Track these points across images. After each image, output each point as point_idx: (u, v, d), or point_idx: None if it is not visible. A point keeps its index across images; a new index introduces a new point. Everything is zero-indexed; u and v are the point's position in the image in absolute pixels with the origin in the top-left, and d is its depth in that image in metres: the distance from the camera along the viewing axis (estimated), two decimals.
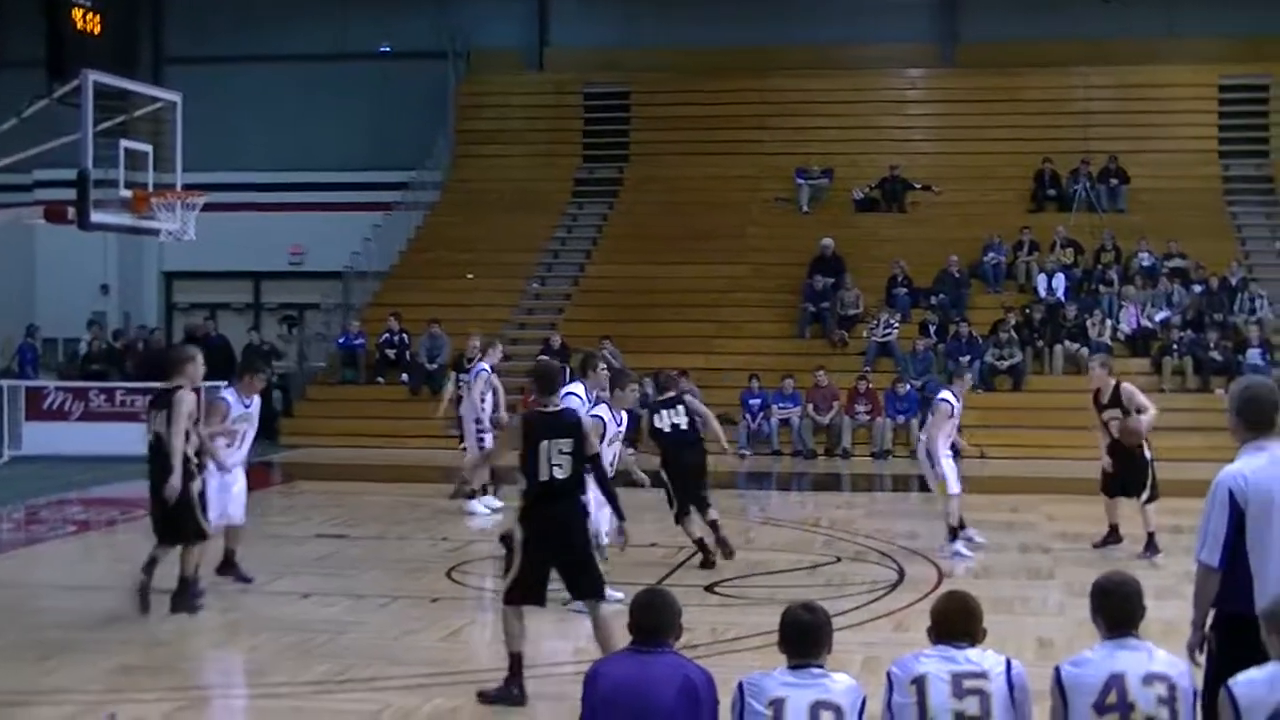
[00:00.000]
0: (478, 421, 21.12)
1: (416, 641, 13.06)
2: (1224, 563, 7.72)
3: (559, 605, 14.25)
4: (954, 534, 17.72)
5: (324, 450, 29.98)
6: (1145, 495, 17.67)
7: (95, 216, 17.51)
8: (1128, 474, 17.79)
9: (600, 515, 13.45)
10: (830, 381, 30.46)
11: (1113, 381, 18.03)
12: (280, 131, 39.51)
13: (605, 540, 14.04)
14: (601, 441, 13.68)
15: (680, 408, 17.33)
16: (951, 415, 18.01)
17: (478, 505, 20.92)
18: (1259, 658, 6.92)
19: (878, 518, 21.67)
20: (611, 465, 14.08)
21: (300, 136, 39.46)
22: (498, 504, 20.82)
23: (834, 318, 33.06)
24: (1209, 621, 7.90)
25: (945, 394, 18.36)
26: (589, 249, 37.79)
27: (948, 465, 17.91)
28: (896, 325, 32.30)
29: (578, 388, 16.10)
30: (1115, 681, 6.73)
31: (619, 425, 14.17)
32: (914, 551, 17.76)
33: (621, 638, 7.56)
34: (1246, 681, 6.68)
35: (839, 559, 17.24)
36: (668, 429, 17.12)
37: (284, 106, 39.89)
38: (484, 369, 21.19)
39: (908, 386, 30.23)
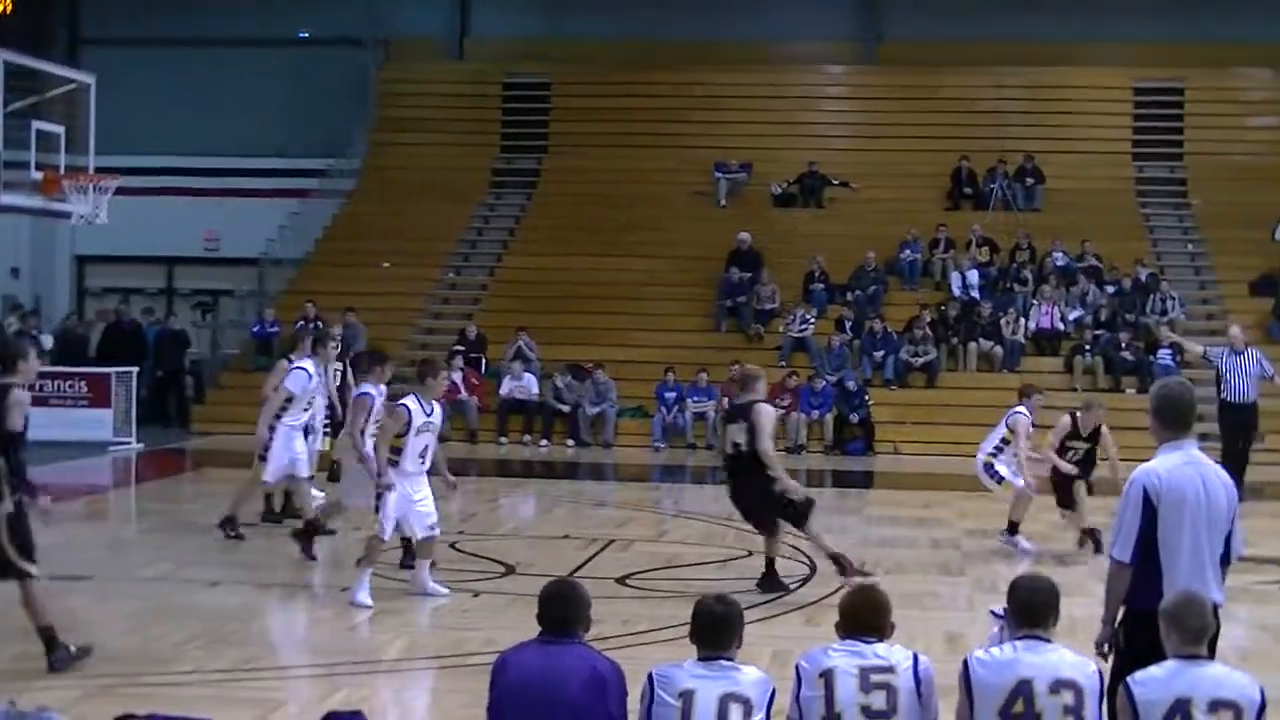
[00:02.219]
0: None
1: (326, 630, 12.99)
2: (1135, 559, 7.85)
3: (469, 595, 14.27)
4: (1014, 529, 17.90)
5: (236, 438, 29.66)
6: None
7: (5, 198, 17.35)
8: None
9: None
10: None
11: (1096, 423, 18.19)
12: (197, 116, 39.10)
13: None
14: (408, 432, 13.74)
15: (743, 424, 14.78)
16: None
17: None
18: (1163, 654, 7.00)
19: None
20: (423, 457, 13.93)
21: (217, 121, 39.07)
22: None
23: (750, 312, 33.11)
24: (1119, 618, 8.01)
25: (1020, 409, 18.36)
26: (506, 240, 37.68)
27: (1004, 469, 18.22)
28: (812, 320, 32.39)
29: (307, 363, 17.23)
30: (1023, 689, 6.77)
31: (428, 415, 13.88)
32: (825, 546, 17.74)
33: None
34: (1144, 679, 6.77)
35: (750, 553, 17.22)
36: (729, 450, 14.97)
37: (201, 91, 39.51)
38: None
39: (823, 382, 30.32)
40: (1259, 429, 23.79)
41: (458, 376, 30.47)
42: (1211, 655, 7.38)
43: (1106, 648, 8.04)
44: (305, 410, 17.75)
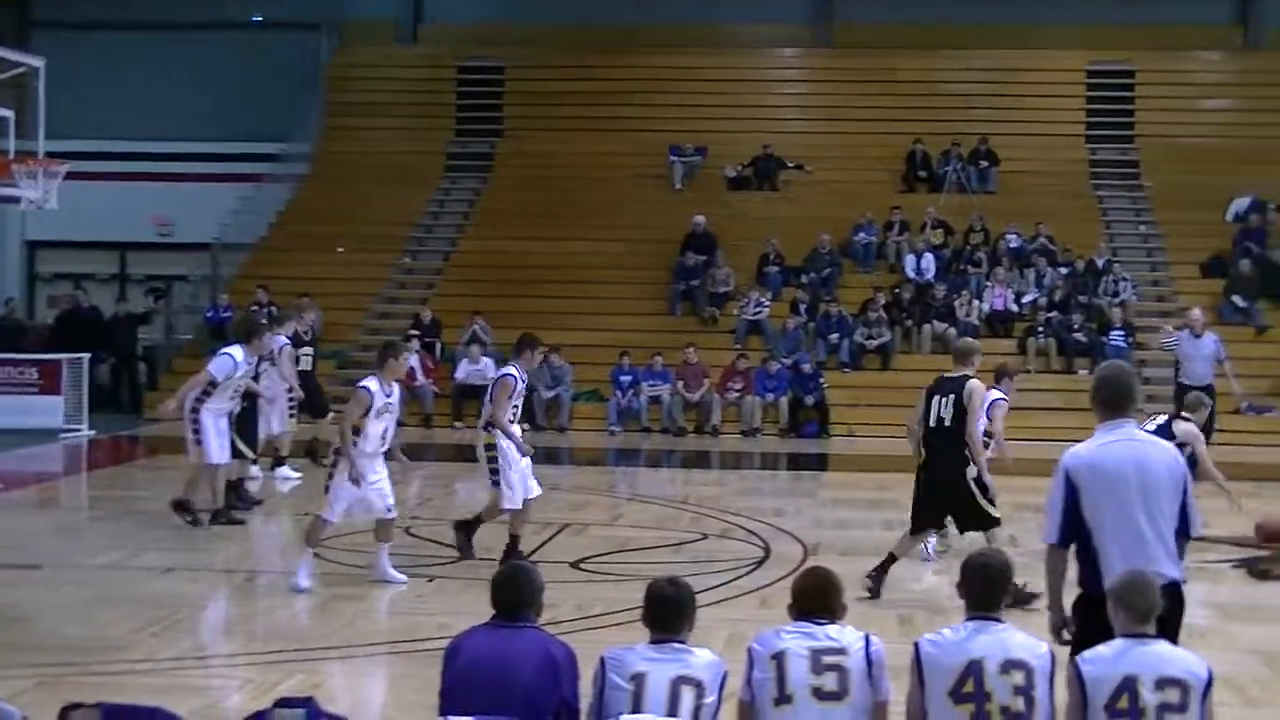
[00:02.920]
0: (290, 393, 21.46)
1: (280, 616, 12.95)
2: (1062, 540, 7.95)
3: (424, 580, 14.26)
4: None
5: None
6: None
7: None
8: None
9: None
10: (700, 359, 30.53)
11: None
12: (149, 100, 38.91)
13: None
14: (368, 414, 13.75)
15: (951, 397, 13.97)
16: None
17: (289, 471, 21.70)
18: (1109, 631, 7.06)
19: (745, 495, 21.76)
20: (383, 439, 14.07)
21: (170, 105, 38.86)
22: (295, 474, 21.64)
23: (705, 295, 33.12)
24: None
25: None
26: (461, 224, 37.61)
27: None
28: (767, 303, 32.41)
29: (236, 350, 17.20)
30: (973, 669, 6.81)
31: (388, 397, 13.89)
32: (780, 529, 17.81)
33: None
34: (1093, 657, 6.84)
35: (705, 536, 17.28)
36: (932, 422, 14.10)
37: (153, 74, 39.34)
38: (285, 342, 21.36)
39: (778, 365, 30.36)
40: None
41: (414, 361, 30.39)
42: (1176, 633, 7.47)
43: (1065, 634, 8.04)
44: (230, 399, 17.65)
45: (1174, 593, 7.73)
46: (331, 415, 22.56)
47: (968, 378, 13.88)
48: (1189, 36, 39.23)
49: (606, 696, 6.77)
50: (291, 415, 21.81)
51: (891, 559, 14.00)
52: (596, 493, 21.82)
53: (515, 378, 14.85)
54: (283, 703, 6.45)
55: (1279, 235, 34.01)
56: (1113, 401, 8.11)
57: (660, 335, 31.79)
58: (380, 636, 12.29)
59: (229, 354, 17.53)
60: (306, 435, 23.20)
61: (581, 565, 15.36)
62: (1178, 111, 38.92)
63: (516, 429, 14.98)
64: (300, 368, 22.40)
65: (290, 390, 21.43)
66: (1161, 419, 16.63)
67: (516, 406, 14.90)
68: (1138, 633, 6.90)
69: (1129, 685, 6.66)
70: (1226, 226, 34.94)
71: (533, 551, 15.81)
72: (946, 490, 13.91)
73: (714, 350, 31.22)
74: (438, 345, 32.11)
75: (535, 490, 15.01)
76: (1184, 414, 16.97)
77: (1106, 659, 6.81)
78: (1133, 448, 7.95)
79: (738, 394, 30.26)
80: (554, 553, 15.96)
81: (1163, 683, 6.66)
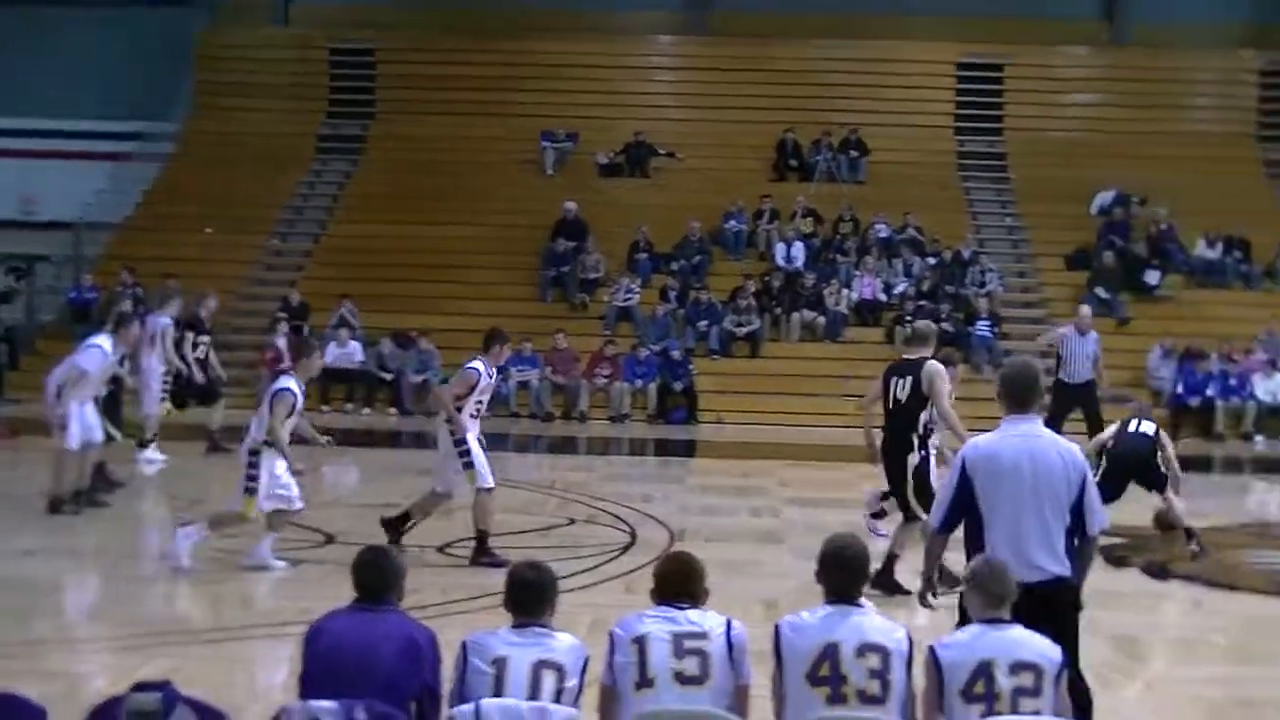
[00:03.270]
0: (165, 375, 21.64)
1: (139, 601, 12.82)
2: (943, 527, 8.10)
3: (289, 565, 14.17)
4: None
5: None
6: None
7: None
8: None
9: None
10: (570, 345, 30.53)
11: None
12: (14, 76, 38.31)
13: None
14: (291, 414, 13.91)
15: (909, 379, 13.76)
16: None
17: (155, 454, 21.57)
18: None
19: (613, 481, 21.78)
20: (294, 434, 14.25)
21: (35, 81, 38.28)
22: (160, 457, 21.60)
23: (575, 281, 33.12)
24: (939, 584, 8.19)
25: None
26: (331, 206, 37.34)
27: None
28: (637, 290, 32.48)
29: (105, 341, 17.11)
30: (830, 652, 6.87)
31: (304, 395, 13.99)
32: (647, 514, 17.86)
33: None
34: (949, 642, 6.95)
35: (572, 521, 17.30)
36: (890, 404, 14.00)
37: (19, 50, 38.69)
38: (168, 323, 21.56)
39: (647, 351, 30.42)
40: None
41: (282, 343, 30.20)
42: (1066, 628, 7.65)
43: (929, 598, 8.31)
44: (97, 386, 17.54)
45: (1057, 589, 7.87)
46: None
47: (925, 360, 13.79)
48: (1057, 31, 39.72)
49: (468, 680, 6.77)
50: (163, 399, 21.72)
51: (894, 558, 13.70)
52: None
53: (480, 372, 14.87)
54: (140, 687, 6.37)
55: (1142, 229, 34.51)
56: (1018, 397, 8.20)
57: (530, 321, 31.72)
58: (243, 621, 12.21)
59: (98, 346, 17.38)
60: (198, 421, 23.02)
61: (447, 550, 15.32)
62: (1045, 105, 39.44)
63: (476, 426, 14.94)
64: (197, 355, 22.62)
65: (168, 373, 21.38)
66: (1150, 425, 16.71)
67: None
68: (992, 618, 7.02)
69: (984, 670, 6.76)
70: (1091, 220, 35.42)
71: (400, 536, 15.75)
72: (890, 470, 13.98)
73: (584, 336, 31.23)
74: (306, 328, 31.86)
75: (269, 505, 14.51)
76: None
77: (962, 644, 6.92)
78: (1031, 443, 8.03)
79: (606, 380, 30.29)
80: (420, 537, 15.87)
81: (1017, 667, 6.77)
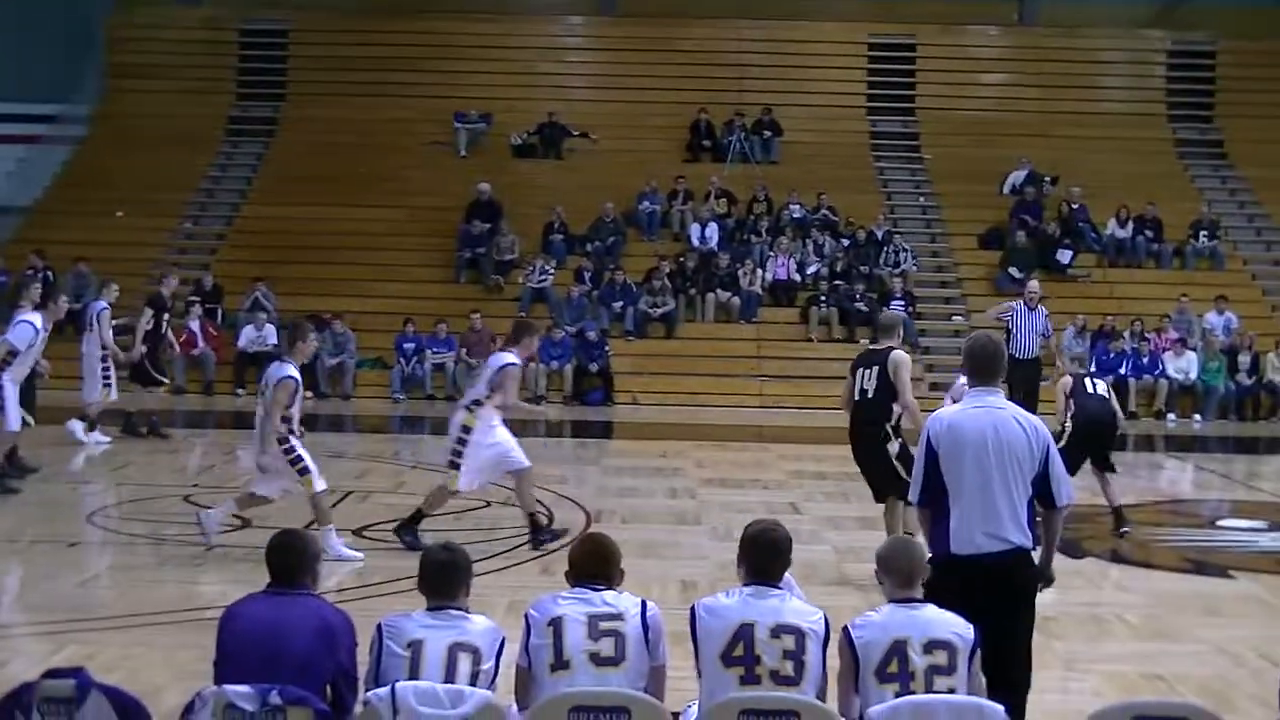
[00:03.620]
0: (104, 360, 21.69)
1: (53, 587, 12.70)
2: (922, 500, 8.06)
3: (202, 549, 14.09)
4: None
5: None
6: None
7: None
8: None
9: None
10: (485, 325, 30.46)
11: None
12: None
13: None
14: (294, 402, 13.77)
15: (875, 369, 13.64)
16: None
17: (97, 435, 21.80)
18: (961, 596, 7.23)
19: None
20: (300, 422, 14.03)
21: None
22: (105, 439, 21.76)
23: (490, 263, 33.06)
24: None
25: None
26: (244, 189, 37.12)
27: None
28: (552, 271, 32.46)
29: (35, 317, 17.43)
30: (744, 633, 6.90)
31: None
32: (563, 496, 17.85)
33: None
34: (863, 623, 7.00)
35: (488, 504, 17.24)
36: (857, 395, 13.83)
37: None
38: (105, 306, 21.73)
39: (562, 332, 30.41)
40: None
41: (195, 326, 30.07)
42: (1023, 599, 7.85)
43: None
44: (27, 366, 17.45)
45: (1019, 560, 7.91)
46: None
47: (891, 349, 13.60)
48: (966, 12, 40.00)
49: (383, 664, 6.76)
50: (107, 384, 21.63)
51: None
52: (380, 460, 21.71)
53: (518, 365, 14.89)
54: (52, 674, 6.33)
55: (1054, 208, 34.79)
56: (981, 369, 8.23)
57: (445, 303, 31.68)
58: (157, 606, 12.11)
59: (28, 321, 17.35)
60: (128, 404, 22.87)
61: (364, 533, 15.28)
62: (956, 85, 39.69)
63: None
64: (165, 335, 23.16)
65: (106, 358, 21.35)
66: (1103, 384, 16.66)
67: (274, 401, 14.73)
68: (905, 597, 7.07)
69: (899, 649, 6.81)
70: (1003, 199, 35.71)
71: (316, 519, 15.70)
72: (866, 462, 13.83)
73: (499, 318, 31.15)
74: (219, 311, 31.67)
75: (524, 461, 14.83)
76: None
77: (876, 624, 6.96)
78: (994, 415, 8.03)
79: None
80: (338, 520, 15.81)
81: (931, 645, 6.82)
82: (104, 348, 21.63)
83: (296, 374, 13.84)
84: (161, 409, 23.88)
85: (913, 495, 8.20)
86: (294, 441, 13.83)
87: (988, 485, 7.87)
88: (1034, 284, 23.77)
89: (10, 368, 17.16)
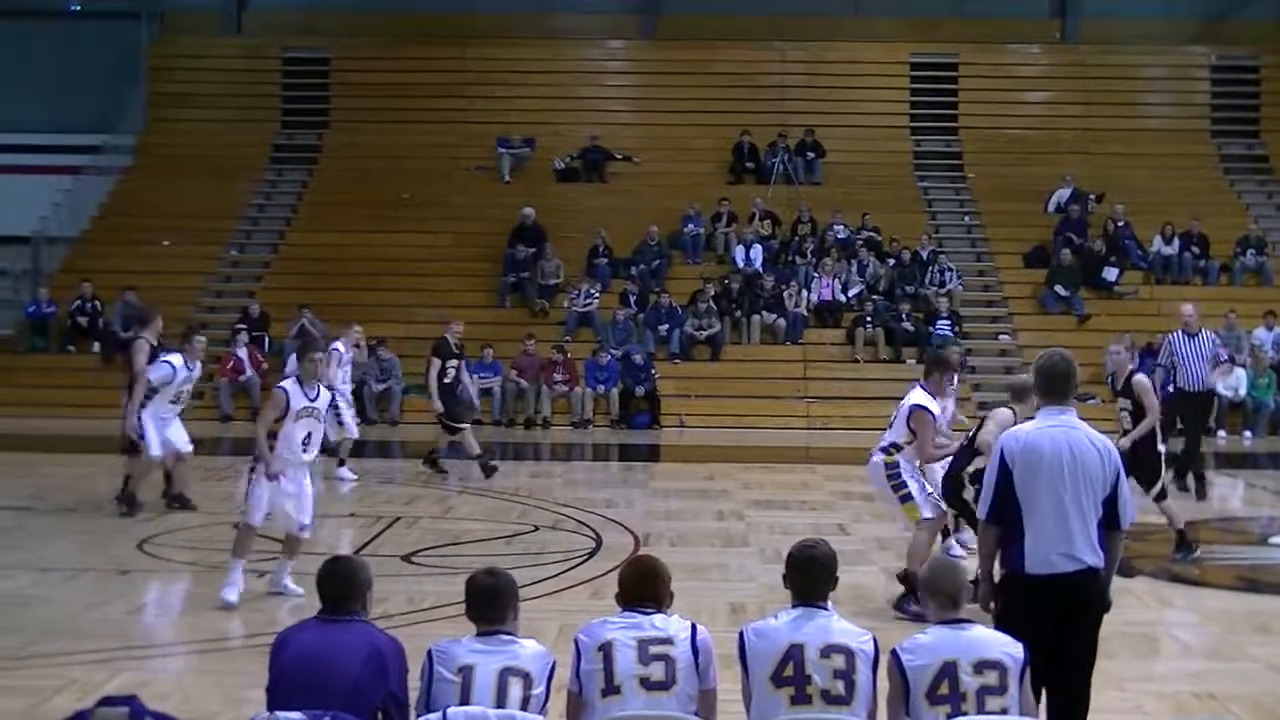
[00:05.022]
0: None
1: (104, 615, 12.73)
2: (991, 517, 7.98)
3: (254, 576, 14.12)
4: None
5: (11, 420, 29.03)
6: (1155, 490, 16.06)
7: None
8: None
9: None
10: (535, 351, 30.51)
11: (1130, 368, 16.74)
12: None
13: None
14: (285, 416, 13.16)
15: None
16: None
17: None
18: (1033, 615, 7.18)
19: (576, 486, 21.78)
20: (306, 446, 13.30)
21: None
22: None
23: (535, 287, 33.13)
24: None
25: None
26: (289, 216, 37.30)
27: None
28: (596, 295, 32.50)
29: (174, 357, 17.72)
30: (794, 654, 6.87)
31: (311, 400, 13.33)
32: (611, 519, 17.85)
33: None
34: (911, 646, 6.96)
35: (537, 528, 17.27)
36: None
37: None
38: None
39: (608, 356, 30.43)
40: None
41: (242, 353, 30.20)
42: (1096, 621, 7.76)
43: (993, 605, 8.12)
44: (173, 403, 17.92)
45: (1091, 580, 7.85)
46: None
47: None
48: (1009, 29, 39.95)
49: (434, 690, 6.75)
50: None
51: None
52: (428, 486, 21.74)
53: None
54: (106, 701, 6.36)
55: (1098, 225, 34.67)
56: (1054, 388, 8.18)
57: (490, 328, 31.72)
58: (207, 634, 12.15)
59: (168, 361, 17.78)
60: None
61: (413, 559, 15.29)
62: (999, 104, 39.58)
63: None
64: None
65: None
66: None
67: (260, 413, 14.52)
68: (952, 618, 7.04)
69: (949, 671, 6.78)
70: (1047, 217, 35.58)
71: (364, 545, 15.76)
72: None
73: (544, 342, 31.22)
74: (266, 338, 31.78)
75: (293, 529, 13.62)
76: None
77: (925, 646, 6.92)
78: (1070, 434, 7.98)
79: (565, 386, 30.27)
80: (385, 546, 15.88)
81: (981, 665, 6.78)
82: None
83: (286, 385, 13.41)
84: (209, 436, 23.95)
85: (981, 511, 8.13)
86: (258, 469, 13.24)
87: (1062, 505, 7.82)
88: (1188, 307, 21.23)
89: (150, 403, 17.64)
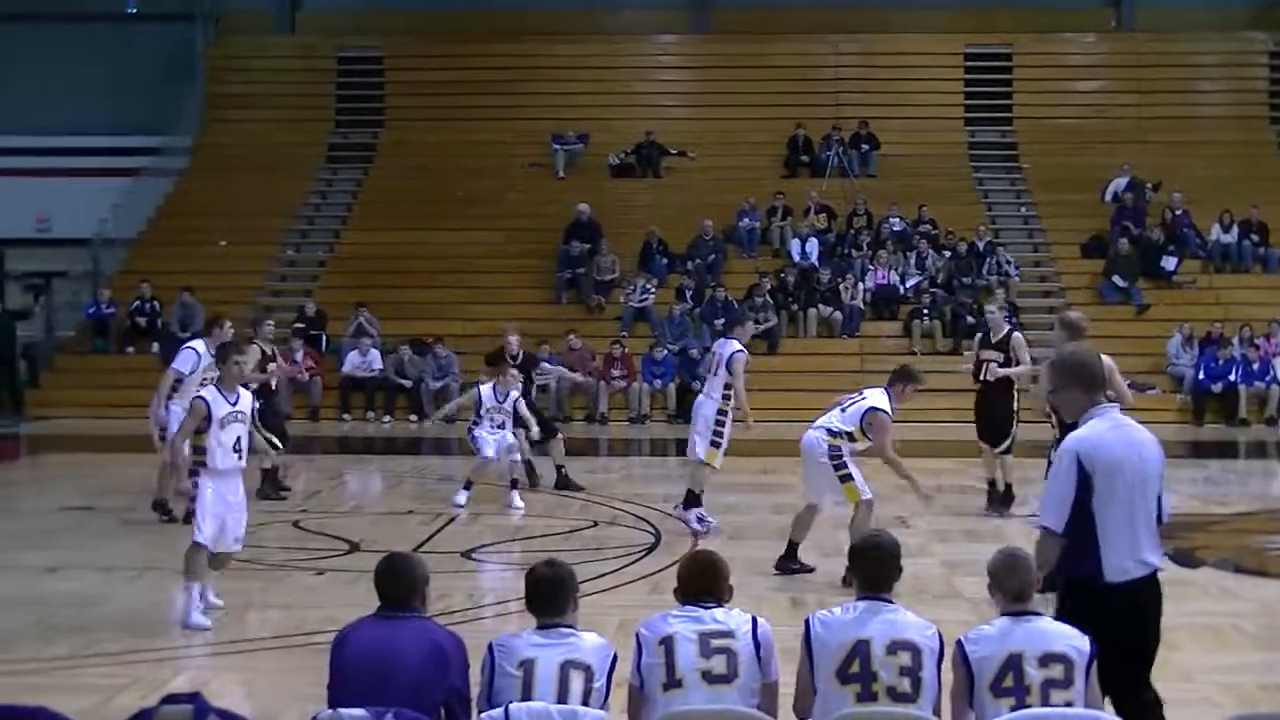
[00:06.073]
0: None
1: (169, 614, 12.80)
2: (1065, 528, 7.53)
3: (313, 574, 14.19)
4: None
5: (73, 422, 29.26)
6: (1004, 446, 18.03)
7: None
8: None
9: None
10: (584, 345, 30.52)
11: (1006, 327, 18.75)
12: (24, 94, 38.44)
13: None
14: (210, 424, 12.54)
15: None
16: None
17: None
18: (1105, 621, 7.08)
19: (634, 482, 21.80)
20: (238, 451, 12.76)
21: (46, 99, 38.40)
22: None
23: (590, 283, 33.14)
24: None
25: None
26: (344, 215, 37.42)
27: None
28: (653, 290, 32.49)
29: (197, 343, 17.32)
30: (860, 649, 6.85)
31: (233, 405, 12.95)
32: (669, 514, 17.83)
33: None
34: (977, 637, 6.90)
35: (595, 523, 17.28)
36: None
37: (28, 68, 38.85)
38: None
39: (664, 351, 30.42)
40: None
41: (299, 354, 30.30)
42: (1158, 622, 7.56)
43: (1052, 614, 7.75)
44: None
45: (1156, 580, 7.62)
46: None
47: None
48: (1063, 19, 39.75)
49: (495, 684, 6.76)
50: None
51: None
52: (486, 482, 21.75)
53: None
54: (170, 699, 6.39)
55: (1156, 214, 34.45)
56: (1093, 382, 7.78)
57: (546, 324, 31.71)
58: (270, 631, 12.20)
59: (192, 348, 17.38)
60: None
61: (472, 555, 15.32)
62: (1054, 93, 39.38)
63: None
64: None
65: None
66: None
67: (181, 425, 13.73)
68: (1018, 610, 6.99)
69: (1014, 663, 6.74)
70: (1104, 207, 35.38)
71: (424, 542, 15.80)
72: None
73: (600, 338, 31.23)
74: (323, 338, 31.91)
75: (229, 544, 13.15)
76: None
77: (990, 638, 6.88)
78: (1129, 434, 7.67)
79: (622, 381, 30.29)
80: (445, 542, 15.92)
81: (1046, 658, 6.74)
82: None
83: (204, 393, 12.90)
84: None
85: (1053, 522, 7.56)
86: (202, 477, 12.65)
87: (1134, 510, 7.54)
88: None
89: (177, 395, 17.01)
